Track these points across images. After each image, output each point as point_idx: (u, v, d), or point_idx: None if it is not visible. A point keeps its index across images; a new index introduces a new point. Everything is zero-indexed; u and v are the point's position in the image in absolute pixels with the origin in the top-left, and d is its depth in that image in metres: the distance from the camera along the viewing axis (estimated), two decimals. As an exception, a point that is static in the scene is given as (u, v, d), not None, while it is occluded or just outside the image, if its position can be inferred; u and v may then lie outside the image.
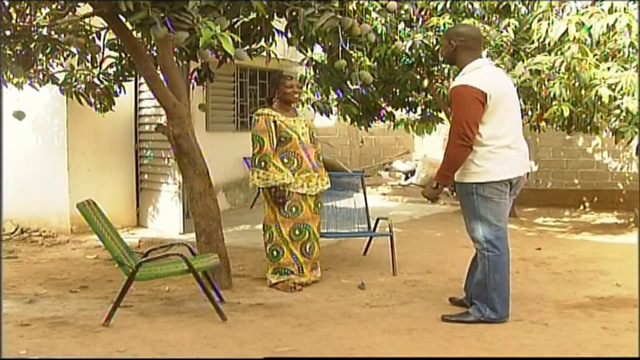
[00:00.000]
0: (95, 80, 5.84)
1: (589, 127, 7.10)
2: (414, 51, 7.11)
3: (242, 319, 4.02)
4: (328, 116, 8.29)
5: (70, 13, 4.77)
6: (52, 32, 5.16)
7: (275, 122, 4.68)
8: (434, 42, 7.04)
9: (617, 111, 6.12)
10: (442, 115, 9.08)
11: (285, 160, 4.68)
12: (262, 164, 4.62)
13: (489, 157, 3.75)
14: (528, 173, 4.05)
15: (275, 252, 4.77)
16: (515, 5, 7.24)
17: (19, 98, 6.53)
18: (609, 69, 6.00)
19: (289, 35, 4.67)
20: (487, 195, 3.78)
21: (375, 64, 7.53)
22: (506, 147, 3.78)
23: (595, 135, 9.63)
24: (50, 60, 5.58)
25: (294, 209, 4.72)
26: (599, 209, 10.18)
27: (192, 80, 5.63)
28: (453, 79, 7.17)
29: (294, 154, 4.70)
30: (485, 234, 3.84)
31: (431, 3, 7.20)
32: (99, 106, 6.04)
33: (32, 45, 5.11)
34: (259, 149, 4.64)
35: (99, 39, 5.40)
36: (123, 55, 5.61)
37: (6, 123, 5.78)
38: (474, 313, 3.89)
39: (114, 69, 5.77)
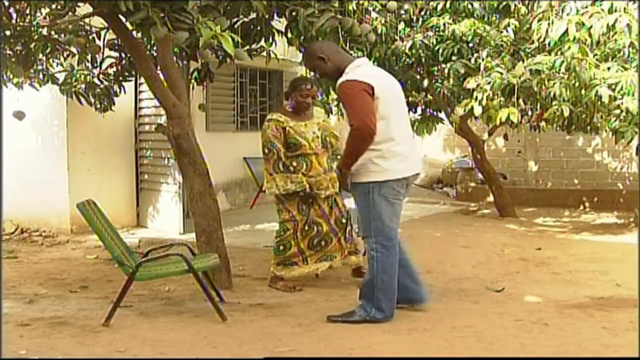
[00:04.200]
0: (95, 80, 5.84)
1: (589, 127, 7.10)
2: (414, 51, 7.12)
3: (242, 319, 4.02)
4: (328, 116, 8.28)
5: (70, 13, 4.77)
6: (52, 32, 5.16)
7: (284, 128, 4.69)
8: (434, 42, 7.05)
9: (617, 111, 6.12)
10: (442, 115, 9.09)
11: (295, 164, 4.71)
12: (282, 167, 4.66)
13: (386, 156, 3.77)
14: (417, 173, 4.07)
15: (282, 247, 4.79)
16: (515, 5, 7.24)
17: (19, 98, 6.53)
18: (609, 69, 6.00)
19: (289, 35, 4.67)
20: (384, 194, 3.81)
21: (375, 64, 7.53)
22: (400, 146, 3.82)
23: (595, 135, 9.64)
24: (50, 60, 5.57)
25: (304, 206, 4.75)
26: (599, 209, 10.18)
27: (192, 80, 5.64)
28: (453, 79, 7.21)
29: (303, 158, 4.72)
30: (376, 233, 3.85)
31: (431, 3, 7.21)
32: (99, 106, 6.03)
33: (32, 45, 5.11)
34: (275, 154, 4.66)
35: (99, 39, 5.40)
36: (123, 55, 5.61)
37: (6, 123, 5.79)
38: (359, 312, 3.88)
39: (114, 69, 5.77)
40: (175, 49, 5.00)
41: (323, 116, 5.10)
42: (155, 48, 5.21)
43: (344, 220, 4.90)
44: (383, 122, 3.73)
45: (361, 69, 3.82)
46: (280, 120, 4.70)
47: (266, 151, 4.69)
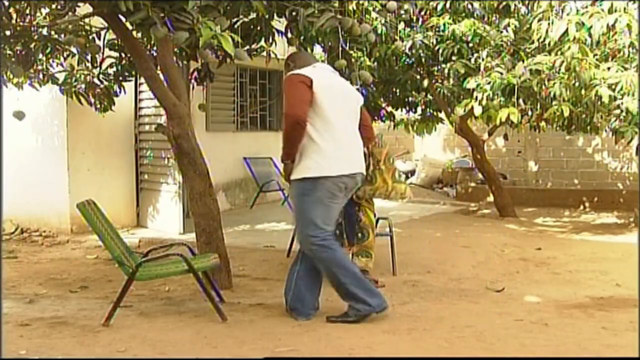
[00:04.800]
0: (95, 80, 5.84)
1: (589, 127, 7.11)
2: (414, 51, 7.12)
3: (242, 319, 4.01)
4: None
5: (70, 13, 4.77)
6: (52, 32, 5.16)
7: None
8: (434, 42, 7.05)
9: (617, 111, 6.13)
10: (442, 115, 9.09)
11: None
12: None
13: (321, 154, 3.76)
14: (354, 176, 3.96)
15: (360, 234, 4.81)
16: (515, 5, 7.24)
17: (19, 98, 6.53)
18: (609, 69, 6.00)
19: (289, 35, 4.67)
20: (319, 195, 3.77)
21: (375, 64, 7.53)
22: (336, 144, 3.80)
23: (595, 135, 9.65)
24: (50, 60, 5.57)
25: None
26: (599, 209, 10.18)
27: (192, 80, 5.63)
28: (453, 79, 7.22)
29: None
30: (312, 235, 3.81)
31: (431, 3, 7.21)
32: (99, 106, 6.03)
33: (32, 45, 5.11)
34: None
35: (99, 39, 5.40)
36: (123, 55, 5.61)
37: (6, 123, 5.79)
38: (351, 312, 3.85)
39: (114, 69, 5.77)
40: (175, 49, 5.00)
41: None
42: (155, 48, 5.21)
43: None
44: (321, 120, 3.76)
45: (310, 68, 3.88)
46: None
47: None
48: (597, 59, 6.20)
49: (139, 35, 4.97)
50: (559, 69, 6.01)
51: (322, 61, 7.56)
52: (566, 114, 6.18)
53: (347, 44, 4.60)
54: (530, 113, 7.24)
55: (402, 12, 6.91)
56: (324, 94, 3.76)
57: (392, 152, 4.66)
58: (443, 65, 7.27)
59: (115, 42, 5.45)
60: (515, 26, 6.90)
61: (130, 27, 4.40)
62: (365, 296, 3.82)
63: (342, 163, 3.82)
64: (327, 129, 3.78)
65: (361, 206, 4.79)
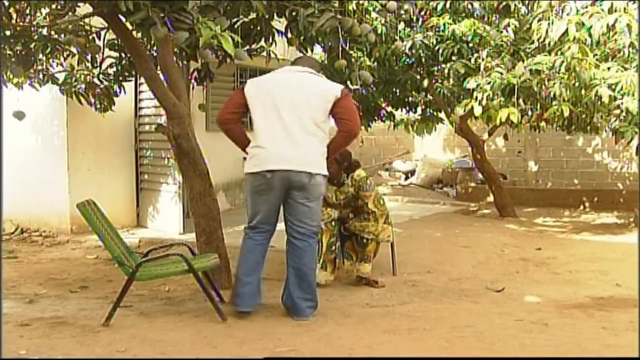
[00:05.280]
0: (95, 80, 5.83)
1: (589, 127, 7.10)
2: (414, 51, 7.12)
3: (242, 319, 4.01)
4: (328, 116, 8.25)
5: (70, 13, 4.77)
6: (52, 32, 5.16)
7: None
8: (434, 42, 7.05)
9: (617, 111, 6.13)
10: (442, 115, 9.09)
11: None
12: None
13: (250, 153, 4.07)
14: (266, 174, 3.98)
15: (365, 241, 4.97)
16: (515, 5, 7.24)
17: (19, 98, 6.53)
18: (609, 69, 6.00)
19: (289, 35, 4.67)
20: (247, 190, 4.12)
21: (375, 64, 7.53)
22: (259, 144, 4.01)
23: (595, 135, 9.65)
24: (50, 60, 5.57)
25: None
26: (599, 209, 10.18)
27: (192, 80, 5.63)
28: (453, 79, 7.22)
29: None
30: (247, 220, 4.19)
31: (431, 3, 7.21)
32: (99, 106, 6.03)
33: (32, 45, 5.10)
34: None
35: (99, 39, 5.40)
36: (123, 55, 5.61)
37: (6, 123, 5.78)
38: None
39: (114, 69, 5.77)
40: (175, 49, 5.00)
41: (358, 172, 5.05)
42: (155, 48, 5.21)
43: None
44: (255, 120, 4.02)
45: (271, 73, 4.20)
46: None
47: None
48: (597, 59, 6.20)
49: (139, 35, 4.97)
50: (559, 69, 6.01)
51: (322, 61, 7.62)
52: (566, 114, 6.18)
53: (347, 44, 4.59)
54: (530, 113, 7.25)
55: (402, 12, 6.91)
56: (254, 97, 4.01)
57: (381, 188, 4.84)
58: (443, 65, 7.27)
59: (115, 42, 5.45)
60: (515, 26, 6.90)
61: (130, 27, 4.40)
62: (234, 292, 4.11)
63: (259, 161, 4.00)
64: (255, 128, 4.02)
65: (368, 220, 4.96)
